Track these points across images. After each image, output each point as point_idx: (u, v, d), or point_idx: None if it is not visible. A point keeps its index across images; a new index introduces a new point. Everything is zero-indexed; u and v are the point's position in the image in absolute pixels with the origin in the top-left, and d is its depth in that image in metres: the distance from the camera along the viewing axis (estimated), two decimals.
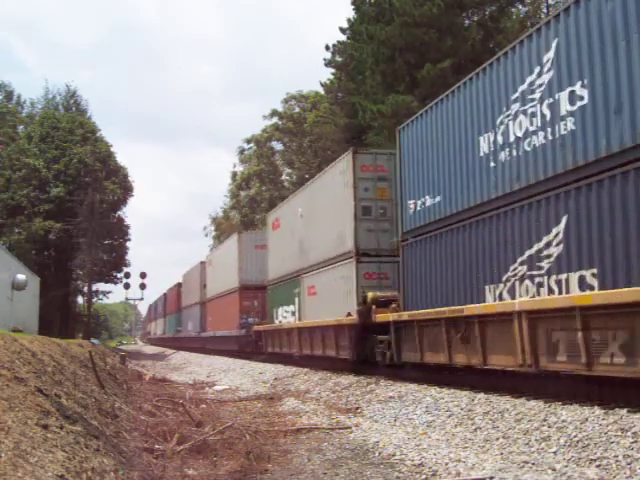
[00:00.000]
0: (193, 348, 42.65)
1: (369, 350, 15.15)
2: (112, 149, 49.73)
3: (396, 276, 14.53)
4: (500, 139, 10.29)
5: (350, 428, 9.66)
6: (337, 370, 17.03)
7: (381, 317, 14.21)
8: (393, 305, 14.11)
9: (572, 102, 8.67)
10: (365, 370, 15.57)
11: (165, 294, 61.18)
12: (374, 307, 14.46)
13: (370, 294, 14.85)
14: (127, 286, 51.91)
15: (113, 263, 50.89)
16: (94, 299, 52.33)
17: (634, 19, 7.65)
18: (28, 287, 30.06)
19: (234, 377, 21.19)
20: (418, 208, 13.12)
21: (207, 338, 36.81)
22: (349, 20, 34.18)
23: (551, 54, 9.08)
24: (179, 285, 50.80)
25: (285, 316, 21.80)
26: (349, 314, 15.49)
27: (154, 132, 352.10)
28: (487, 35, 29.62)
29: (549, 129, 9.13)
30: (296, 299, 20.41)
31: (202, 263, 39.69)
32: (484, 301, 10.53)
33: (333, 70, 36.88)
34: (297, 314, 20.35)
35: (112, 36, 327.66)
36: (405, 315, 13.16)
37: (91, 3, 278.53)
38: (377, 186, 15.76)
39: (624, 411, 7.47)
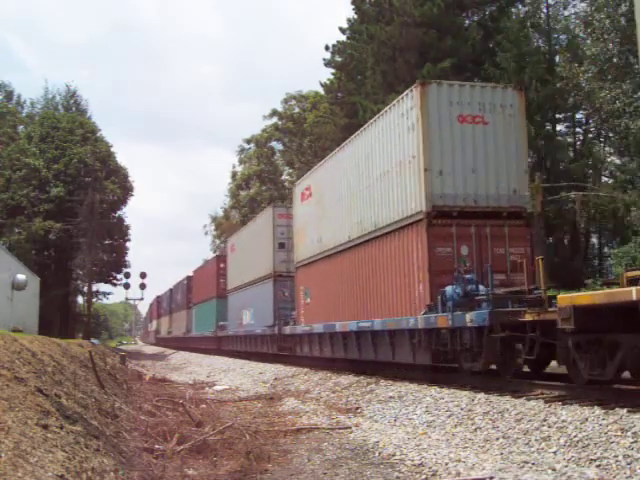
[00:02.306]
0: (258, 355, 25.91)
1: None
2: (112, 149, 49.92)
3: None
4: None
5: (350, 428, 9.66)
6: (337, 370, 17.02)
7: None
8: None
9: None
10: (365, 370, 15.52)
11: (189, 277, 45.97)
12: None
13: None
14: (127, 286, 51.89)
15: (113, 263, 50.93)
16: (94, 299, 52.37)
17: None
18: (28, 287, 30.10)
19: (234, 377, 21.19)
20: None
21: (303, 337, 19.75)
22: (349, 20, 34.22)
23: None
24: (219, 259, 35.55)
25: None
26: None
27: (154, 132, 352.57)
28: (487, 35, 29.68)
29: None
30: None
31: (275, 207, 24.43)
32: None
33: (333, 70, 36.89)
34: None
35: (111, 35, 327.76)
36: None
37: (90, 2, 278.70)
38: None
39: (624, 411, 7.47)
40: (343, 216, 16.45)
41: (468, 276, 11.69)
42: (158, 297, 68.47)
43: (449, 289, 11.48)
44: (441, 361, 12.40)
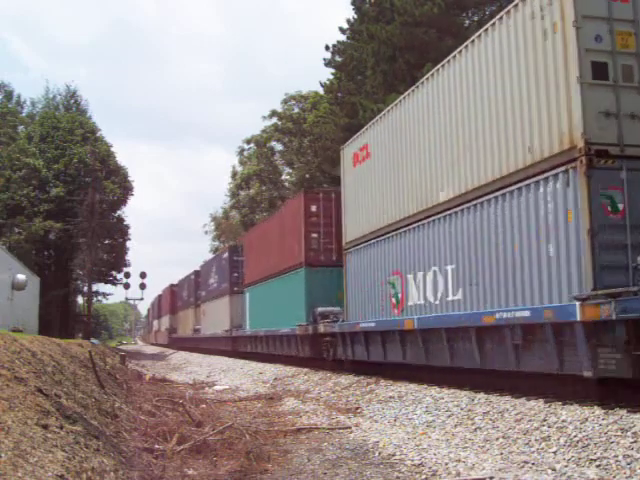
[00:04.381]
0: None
1: None
2: (112, 149, 49.98)
3: None
4: None
5: (350, 428, 9.66)
6: (337, 370, 17.02)
7: None
8: None
9: None
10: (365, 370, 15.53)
11: (233, 248, 32.52)
12: None
13: None
14: (127, 286, 51.93)
15: (113, 263, 50.95)
16: (94, 299, 52.36)
17: None
18: (28, 287, 30.07)
19: (234, 377, 21.19)
20: None
21: None
22: (349, 20, 34.22)
23: None
24: (307, 198, 19.97)
25: None
26: None
27: (153, 130, 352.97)
28: None
29: None
30: None
31: None
32: None
33: (333, 70, 36.89)
34: None
35: (110, 33, 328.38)
36: None
37: (90, 0, 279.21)
38: None
39: (624, 411, 7.47)
40: None
41: None
42: (173, 286, 54.53)
43: None
44: None
